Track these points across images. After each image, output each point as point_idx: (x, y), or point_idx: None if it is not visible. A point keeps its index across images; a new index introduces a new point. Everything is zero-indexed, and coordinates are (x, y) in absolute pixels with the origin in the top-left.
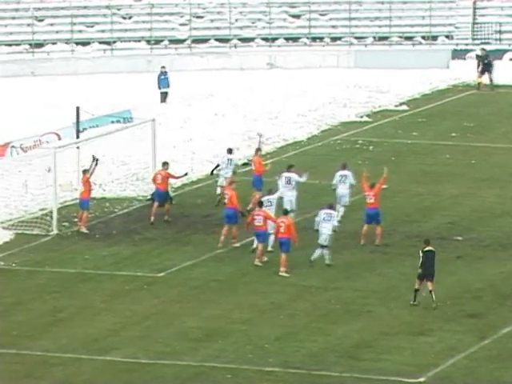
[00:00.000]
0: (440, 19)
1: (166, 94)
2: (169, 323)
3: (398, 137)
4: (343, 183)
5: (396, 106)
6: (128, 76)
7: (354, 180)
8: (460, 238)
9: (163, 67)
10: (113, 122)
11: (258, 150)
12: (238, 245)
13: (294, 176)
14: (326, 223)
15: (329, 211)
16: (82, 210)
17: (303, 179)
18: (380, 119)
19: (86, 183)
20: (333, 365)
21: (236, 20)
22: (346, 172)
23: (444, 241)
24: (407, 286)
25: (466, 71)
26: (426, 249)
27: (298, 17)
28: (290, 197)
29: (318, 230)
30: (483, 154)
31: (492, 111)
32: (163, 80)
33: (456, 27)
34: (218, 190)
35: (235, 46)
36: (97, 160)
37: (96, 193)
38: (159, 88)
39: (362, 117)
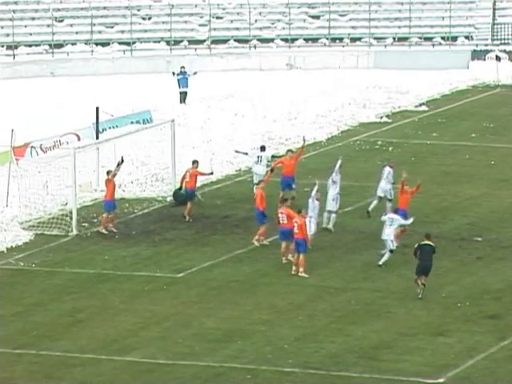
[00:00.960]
0: (459, 20)
1: (185, 94)
2: (188, 324)
3: (418, 137)
4: (386, 179)
5: (415, 106)
6: (147, 76)
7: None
8: (480, 239)
9: (183, 67)
10: (132, 122)
11: (290, 150)
12: (266, 243)
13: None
14: (388, 228)
15: (391, 216)
16: (105, 211)
17: None
18: (399, 120)
19: (110, 184)
20: (352, 365)
21: (255, 21)
22: (388, 169)
23: (464, 241)
24: (427, 287)
25: (486, 72)
26: (423, 242)
27: (317, 17)
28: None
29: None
30: (502, 154)
31: (511, 112)
32: (182, 80)
33: (476, 28)
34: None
35: (255, 47)
36: (122, 162)
37: (116, 193)
38: (179, 87)
39: (381, 117)
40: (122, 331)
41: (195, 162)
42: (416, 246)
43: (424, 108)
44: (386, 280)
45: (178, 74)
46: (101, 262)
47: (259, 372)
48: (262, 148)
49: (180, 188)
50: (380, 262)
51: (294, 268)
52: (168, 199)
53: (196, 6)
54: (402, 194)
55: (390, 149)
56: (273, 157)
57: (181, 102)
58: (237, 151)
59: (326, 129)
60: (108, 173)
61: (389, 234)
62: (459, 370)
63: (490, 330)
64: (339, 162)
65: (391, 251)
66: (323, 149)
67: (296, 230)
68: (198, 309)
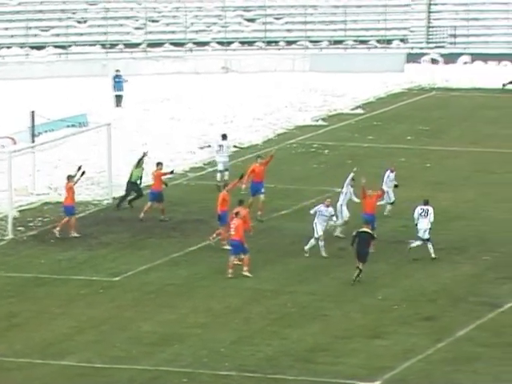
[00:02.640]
0: (395, 23)
1: (120, 97)
2: (124, 328)
3: (354, 140)
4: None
5: (351, 109)
6: (83, 80)
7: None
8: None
9: (118, 70)
10: (68, 126)
11: (259, 156)
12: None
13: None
14: (423, 218)
15: (424, 207)
16: (67, 216)
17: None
18: (335, 123)
19: (70, 190)
20: (288, 368)
21: (191, 24)
22: (389, 174)
23: (400, 244)
24: (363, 289)
25: (421, 75)
26: (361, 230)
27: (253, 21)
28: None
29: (416, 225)
30: (438, 157)
31: (447, 115)
32: (118, 83)
33: (411, 31)
34: (218, 177)
35: (190, 50)
36: (83, 171)
37: (51, 197)
38: (114, 91)
39: (317, 120)
40: (58, 335)
41: (159, 164)
42: (354, 233)
43: (360, 111)
44: (322, 283)
45: (113, 78)
46: (37, 265)
47: (195, 375)
48: (224, 136)
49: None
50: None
51: (229, 271)
52: (104, 202)
53: (131, 9)
54: (366, 198)
55: (326, 152)
56: (234, 146)
57: (116, 106)
58: (201, 147)
59: (261, 132)
60: (69, 178)
61: (427, 222)
62: (395, 372)
63: (426, 332)
64: (352, 175)
65: (427, 240)
66: (259, 152)
67: (232, 232)
68: (134, 312)
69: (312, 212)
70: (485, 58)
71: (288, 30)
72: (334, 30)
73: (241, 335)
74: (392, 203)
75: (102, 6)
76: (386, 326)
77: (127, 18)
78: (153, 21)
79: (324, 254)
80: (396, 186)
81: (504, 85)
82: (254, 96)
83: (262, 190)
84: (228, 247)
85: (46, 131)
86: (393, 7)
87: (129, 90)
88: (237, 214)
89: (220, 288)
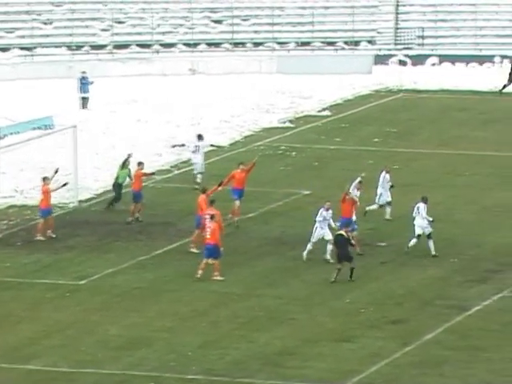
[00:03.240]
0: (362, 24)
1: (86, 99)
2: (91, 331)
3: (321, 142)
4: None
5: (318, 111)
6: (49, 82)
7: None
8: (383, 244)
9: (84, 72)
10: (34, 128)
11: (241, 163)
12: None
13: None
14: (417, 215)
15: (418, 204)
16: (43, 218)
17: None
18: (302, 125)
19: (46, 192)
20: (256, 372)
21: (158, 25)
22: (385, 175)
23: (367, 247)
24: (331, 292)
25: (389, 76)
26: (337, 232)
27: (220, 22)
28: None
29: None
30: (406, 159)
31: (414, 116)
32: (84, 85)
33: (378, 32)
34: (198, 179)
35: (157, 52)
36: (64, 183)
37: (17, 200)
38: (80, 93)
39: (284, 122)
40: (23, 339)
41: (141, 164)
42: (334, 236)
43: (327, 113)
44: (290, 286)
45: (79, 79)
46: (2, 269)
47: (162, 379)
48: (200, 137)
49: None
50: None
51: (199, 272)
52: (70, 205)
53: (98, 10)
54: (344, 202)
55: (293, 154)
56: (212, 145)
57: (82, 108)
58: (174, 146)
59: (228, 134)
60: (44, 179)
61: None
62: (363, 376)
63: (394, 336)
64: (358, 179)
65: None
66: (226, 154)
67: (208, 236)
68: (100, 316)
69: (320, 219)
70: (453, 59)
71: (255, 32)
72: (302, 32)
73: (208, 339)
74: (389, 203)
75: (67, 7)
76: (353, 330)
77: (93, 19)
78: (119, 22)
79: (328, 256)
80: (392, 187)
81: (502, 88)
82: (221, 98)
83: (241, 197)
84: (195, 250)
85: (11, 133)
86: (360, 8)
87: (95, 92)
88: (212, 216)
89: (187, 291)
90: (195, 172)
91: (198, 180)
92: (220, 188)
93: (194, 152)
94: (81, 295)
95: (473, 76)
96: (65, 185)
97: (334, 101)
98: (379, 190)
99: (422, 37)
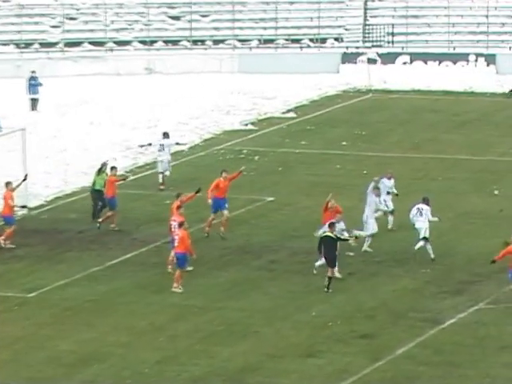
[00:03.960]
0: (329, 21)
1: (36, 100)
2: (41, 347)
3: (286, 146)
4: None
5: (283, 113)
6: None
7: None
8: (352, 254)
9: (33, 72)
10: None
11: (224, 171)
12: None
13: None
14: (419, 217)
15: (420, 206)
16: (9, 225)
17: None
18: (266, 127)
19: (10, 198)
20: None
21: (112, 22)
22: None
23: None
24: (295, 305)
25: (357, 76)
26: (324, 234)
27: (177, 18)
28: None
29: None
30: (375, 163)
31: (385, 118)
32: (33, 85)
33: (346, 29)
34: (160, 178)
35: (111, 50)
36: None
37: None
38: (29, 93)
39: (246, 125)
40: None
41: (114, 168)
42: (319, 239)
43: (292, 114)
44: (252, 298)
45: (27, 79)
46: None
47: None
48: (165, 135)
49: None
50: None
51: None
52: (19, 213)
53: (48, 6)
54: (326, 211)
55: (256, 158)
56: (177, 143)
57: (32, 109)
58: (141, 145)
59: (187, 137)
60: (7, 185)
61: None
62: None
63: (363, 351)
64: (373, 184)
65: (425, 238)
66: (185, 158)
67: (176, 243)
68: (51, 330)
69: (320, 233)
70: (425, 57)
71: (215, 29)
72: (264, 29)
73: (166, 354)
74: (391, 212)
75: (15, 2)
76: (320, 345)
77: (43, 15)
78: (70, 18)
79: (338, 275)
80: (397, 195)
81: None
82: (179, 99)
83: (226, 206)
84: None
85: None
86: (327, 4)
87: (45, 93)
88: (181, 224)
89: (143, 304)
90: (159, 171)
91: (160, 180)
92: (196, 196)
93: (159, 151)
94: (30, 308)
95: (446, 75)
96: (25, 179)
97: (299, 102)
98: (382, 197)
99: (392, 34)
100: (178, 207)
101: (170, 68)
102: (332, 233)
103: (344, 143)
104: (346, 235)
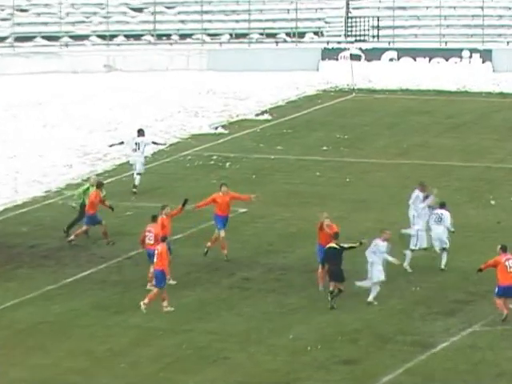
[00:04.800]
0: (308, 13)
1: None
2: None
3: (260, 151)
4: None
5: (257, 115)
6: None
7: None
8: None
9: None
10: None
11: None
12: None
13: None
14: (437, 225)
15: (439, 211)
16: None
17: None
18: (238, 131)
19: None
20: None
21: (67, 14)
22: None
23: (314, 274)
24: (270, 328)
25: (339, 74)
26: (328, 245)
27: (140, 10)
28: (439, 234)
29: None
30: (359, 171)
31: (369, 121)
32: None
33: (326, 22)
34: (136, 181)
35: (66, 45)
36: None
37: None
38: None
39: (216, 128)
40: None
41: (100, 186)
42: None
43: (267, 117)
44: (224, 320)
45: None
46: None
47: None
48: (140, 132)
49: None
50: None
51: (164, 304)
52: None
53: None
54: (322, 231)
55: (227, 165)
56: (154, 143)
57: None
58: (111, 145)
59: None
60: None
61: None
62: None
63: (346, 378)
64: (432, 198)
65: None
66: (148, 166)
67: (155, 259)
68: (0, 356)
69: (371, 251)
70: (414, 53)
71: (181, 22)
72: (237, 21)
73: (128, 382)
74: (444, 249)
75: None
76: (298, 372)
77: None
78: (21, 10)
79: (372, 299)
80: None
81: None
82: (141, 99)
83: (224, 225)
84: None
85: None
86: None
87: None
88: (164, 239)
89: (102, 327)
90: (134, 172)
91: (136, 182)
92: (183, 209)
93: (134, 150)
94: None
95: (437, 73)
96: None
97: (274, 102)
98: (411, 213)
99: (378, 27)
100: (154, 217)
101: (132, 65)
102: (337, 244)
103: (324, 148)
104: (388, 258)
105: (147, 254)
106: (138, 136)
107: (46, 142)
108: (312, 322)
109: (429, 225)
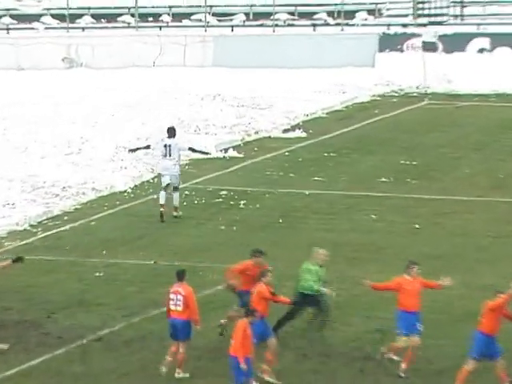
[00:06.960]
0: None
1: None
2: None
3: (289, 184)
4: None
5: (285, 131)
6: None
7: None
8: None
9: None
10: None
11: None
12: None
13: None
14: None
15: None
16: None
17: None
18: (258, 155)
19: None
20: None
21: None
22: None
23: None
24: None
25: (404, 71)
26: None
27: None
28: None
29: None
30: (434, 212)
31: (449, 139)
32: None
33: None
34: (175, 200)
35: (7, 29)
36: None
37: None
38: None
39: (226, 150)
40: None
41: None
42: None
43: (299, 134)
44: None
45: None
46: None
47: None
48: (170, 131)
49: None
50: None
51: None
52: None
53: None
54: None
55: (242, 204)
56: (192, 150)
57: None
58: (134, 150)
59: (133, 169)
60: None
61: None
62: None
63: None
64: None
65: None
66: (125, 205)
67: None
68: None
69: None
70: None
71: None
72: None
73: None
74: None
75: None
76: None
77: None
78: None
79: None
80: None
81: None
82: (117, 108)
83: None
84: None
85: None
86: None
87: None
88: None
89: None
90: (163, 185)
91: (176, 202)
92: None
93: (164, 156)
94: None
95: None
96: None
97: (311, 113)
98: None
99: (462, 3)
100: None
101: (103, 59)
102: None
103: (383, 180)
104: None
105: (171, 326)
106: (169, 137)
107: None
108: None
109: None
